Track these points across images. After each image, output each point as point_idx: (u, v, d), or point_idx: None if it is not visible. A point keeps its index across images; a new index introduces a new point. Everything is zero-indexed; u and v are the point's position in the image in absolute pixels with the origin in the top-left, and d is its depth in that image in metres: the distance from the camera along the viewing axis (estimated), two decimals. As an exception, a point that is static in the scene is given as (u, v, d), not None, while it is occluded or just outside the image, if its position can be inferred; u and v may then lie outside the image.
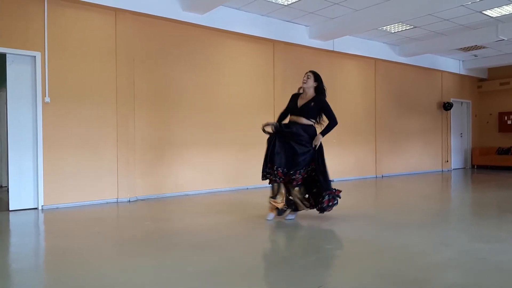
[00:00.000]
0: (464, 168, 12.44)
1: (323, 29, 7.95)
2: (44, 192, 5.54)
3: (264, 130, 4.53)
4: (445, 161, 11.74)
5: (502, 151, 11.79)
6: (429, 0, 6.50)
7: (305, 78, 4.47)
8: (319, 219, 4.54)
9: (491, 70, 12.37)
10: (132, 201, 6.14)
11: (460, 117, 12.43)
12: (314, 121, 4.47)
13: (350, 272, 2.85)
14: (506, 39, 8.49)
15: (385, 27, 8.34)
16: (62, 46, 5.68)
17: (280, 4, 6.93)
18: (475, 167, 12.33)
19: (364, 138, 9.61)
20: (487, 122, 12.50)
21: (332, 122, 4.45)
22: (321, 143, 4.43)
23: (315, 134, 4.41)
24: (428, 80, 11.21)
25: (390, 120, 10.18)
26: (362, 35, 8.92)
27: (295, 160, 4.32)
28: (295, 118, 4.45)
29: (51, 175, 5.59)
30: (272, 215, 4.54)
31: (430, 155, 11.32)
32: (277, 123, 4.52)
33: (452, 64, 11.52)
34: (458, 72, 11.70)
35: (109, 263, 3.11)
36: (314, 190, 4.45)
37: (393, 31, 8.67)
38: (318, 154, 4.42)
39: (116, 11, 6.06)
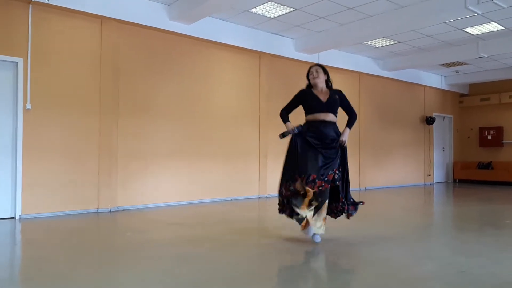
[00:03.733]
0: (446, 182, 12.62)
1: (308, 42, 8.05)
2: (22, 201, 5.39)
3: (284, 135, 3.90)
4: (427, 175, 11.89)
5: (483, 166, 12.02)
6: (412, 17, 6.65)
7: (314, 73, 3.99)
8: (300, 232, 4.51)
9: (472, 86, 12.66)
10: (113, 212, 6.03)
11: (442, 132, 12.65)
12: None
13: (332, 286, 2.84)
14: (486, 56, 8.72)
15: (369, 42, 8.48)
16: (45, 52, 5.60)
17: (266, 16, 6.99)
18: (457, 181, 12.52)
19: (348, 151, 9.63)
20: (468, 137, 12.74)
21: (355, 115, 4.05)
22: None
23: (339, 133, 3.93)
24: (411, 94, 11.40)
25: (373, 133, 10.28)
26: (347, 49, 9.04)
27: (322, 167, 3.76)
28: (322, 115, 3.84)
29: (30, 184, 5.45)
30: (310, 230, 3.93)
31: (412, 169, 11.45)
32: (300, 125, 3.88)
33: (435, 79, 11.76)
34: (440, 87, 11.94)
35: (87, 275, 3.03)
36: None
37: (377, 46, 8.82)
38: (344, 157, 3.99)
39: (102, 19, 6.02)
